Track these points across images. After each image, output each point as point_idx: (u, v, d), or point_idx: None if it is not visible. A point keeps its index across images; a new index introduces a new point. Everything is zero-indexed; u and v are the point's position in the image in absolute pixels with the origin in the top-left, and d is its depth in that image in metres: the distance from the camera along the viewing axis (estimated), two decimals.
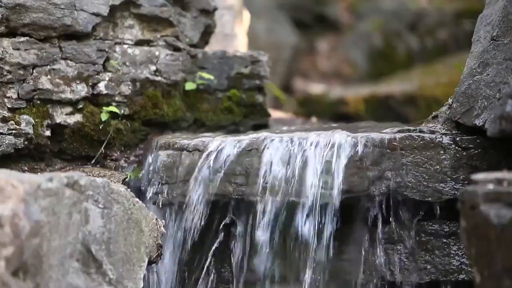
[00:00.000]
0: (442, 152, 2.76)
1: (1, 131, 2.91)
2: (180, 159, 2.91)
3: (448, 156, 2.76)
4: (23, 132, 2.94)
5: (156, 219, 2.59)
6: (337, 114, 5.78)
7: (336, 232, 2.75)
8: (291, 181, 2.75)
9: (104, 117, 3.09)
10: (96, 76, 3.09)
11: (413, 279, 2.76)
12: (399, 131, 2.83)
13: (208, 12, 3.39)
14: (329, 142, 2.78)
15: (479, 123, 2.72)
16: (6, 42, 2.94)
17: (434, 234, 2.77)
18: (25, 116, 2.96)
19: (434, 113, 2.99)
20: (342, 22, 7.97)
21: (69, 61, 3.05)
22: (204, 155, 2.86)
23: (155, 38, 3.24)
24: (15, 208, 2.02)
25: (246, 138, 2.87)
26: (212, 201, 2.82)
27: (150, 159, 2.98)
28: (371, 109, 5.88)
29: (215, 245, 2.84)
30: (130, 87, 3.16)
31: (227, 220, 2.83)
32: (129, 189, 2.52)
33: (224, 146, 2.86)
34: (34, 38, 2.99)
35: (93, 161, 3.10)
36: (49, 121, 3.03)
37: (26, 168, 3.01)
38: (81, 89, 3.06)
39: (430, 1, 7.68)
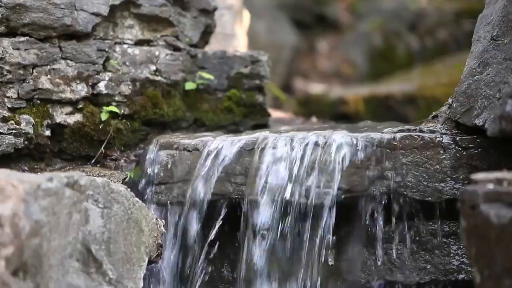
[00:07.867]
0: (442, 152, 2.76)
1: (1, 131, 2.90)
2: (180, 159, 2.91)
3: (448, 156, 2.76)
4: (23, 132, 2.94)
5: (156, 219, 2.59)
6: (337, 114, 5.78)
7: (336, 232, 2.75)
8: (291, 180, 2.75)
9: (104, 117, 3.09)
10: (96, 76, 3.09)
11: (413, 279, 2.76)
12: (399, 131, 2.83)
13: (208, 12, 3.39)
14: (329, 141, 2.78)
15: (479, 123, 2.72)
16: (6, 42, 2.94)
17: (434, 234, 2.77)
18: (25, 116, 2.96)
19: (434, 113, 2.98)
20: (342, 22, 7.98)
21: (69, 61, 3.05)
22: (204, 154, 2.86)
23: (155, 38, 3.24)
24: (15, 208, 2.01)
25: (246, 138, 2.88)
26: (212, 200, 2.83)
27: (150, 158, 2.98)
28: (371, 109, 5.88)
29: (216, 244, 2.84)
30: (130, 87, 3.16)
31: (227, 219, 2.83)
32: (129, 189, 2.52)
33: (224, 146, 2.86)
34: (34, 38, 2.99)
35: (93, 161, 3.10)
36: (49, 121, 3.03)
37: (26, 168, 3.01)
38: (81, 89, 3.06)
39: (430, 1, 7.68)
